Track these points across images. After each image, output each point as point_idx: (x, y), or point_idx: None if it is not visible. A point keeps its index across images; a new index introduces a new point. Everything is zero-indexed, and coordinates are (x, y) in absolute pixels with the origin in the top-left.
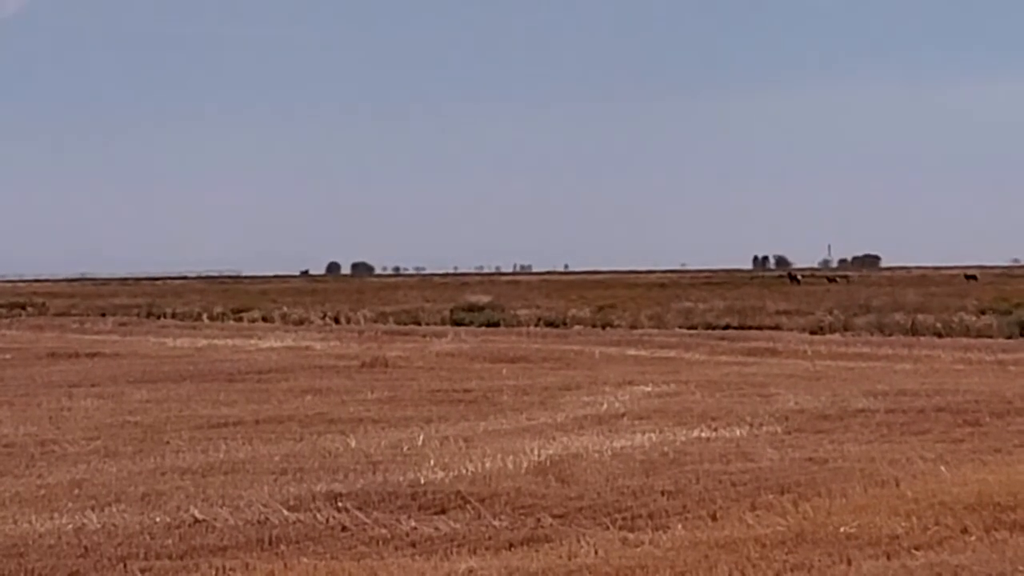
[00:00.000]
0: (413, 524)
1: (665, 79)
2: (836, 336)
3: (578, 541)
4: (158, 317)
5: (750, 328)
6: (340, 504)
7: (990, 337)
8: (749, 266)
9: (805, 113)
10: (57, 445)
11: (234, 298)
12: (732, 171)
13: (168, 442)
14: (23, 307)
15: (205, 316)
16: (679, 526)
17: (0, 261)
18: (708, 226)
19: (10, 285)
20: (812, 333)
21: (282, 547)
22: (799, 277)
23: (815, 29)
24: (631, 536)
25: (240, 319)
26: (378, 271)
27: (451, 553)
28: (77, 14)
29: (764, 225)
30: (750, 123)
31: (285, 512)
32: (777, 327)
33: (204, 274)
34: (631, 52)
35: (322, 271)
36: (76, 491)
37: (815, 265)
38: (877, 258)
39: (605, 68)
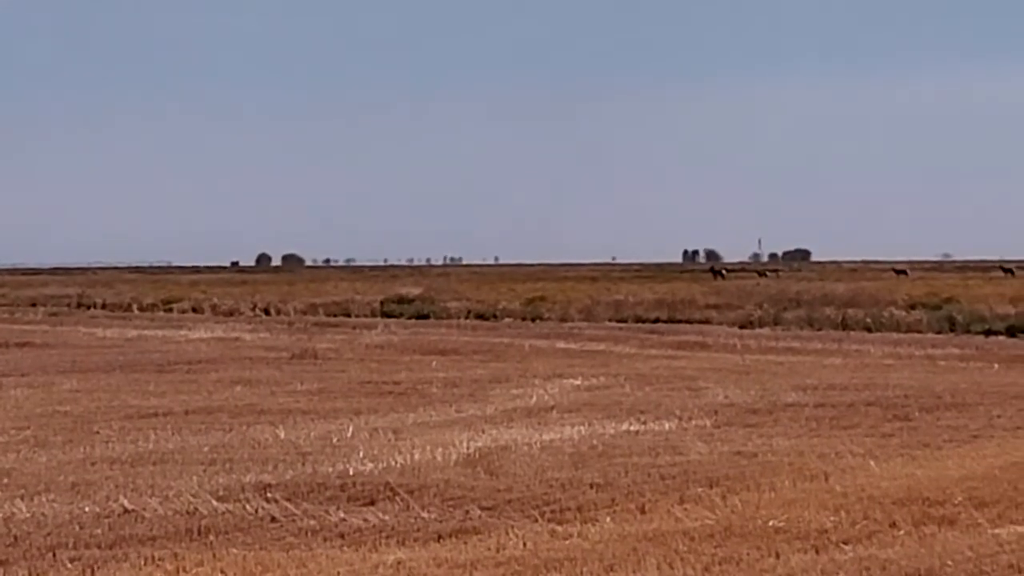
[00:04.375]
0: (342, 515)
1: (596, 72)
2: (766, 330)
3: (507, 533)
4: (88, 307)
5: (680, 322)
6: (269, 495)
7: (920, 332)
8: (679, 260)
9: (736, 107)
10: None
11: (164, 289)
12: (662, 165)
13: (98, 432)
14: None
15: (135, 307)
16: (608, 519)
17: None
18: (638, 220)
19: None
20: (742, 327)
21: (211, 537)
22: (723, 272)
23: (743, 22)
24: (560, 528)
25: (170, 310)
26: (308, 263)
27: (380, 544)
28: None
29: (694, 219)
30: (681, 116)
31: (214, 502)
32: (707, 321)
33: (134, 265)
34: (558, 46)
35: (252, 262)
36: (5, 480)
37: (745, 259)
38: (807, 252)
39: (534, 61)
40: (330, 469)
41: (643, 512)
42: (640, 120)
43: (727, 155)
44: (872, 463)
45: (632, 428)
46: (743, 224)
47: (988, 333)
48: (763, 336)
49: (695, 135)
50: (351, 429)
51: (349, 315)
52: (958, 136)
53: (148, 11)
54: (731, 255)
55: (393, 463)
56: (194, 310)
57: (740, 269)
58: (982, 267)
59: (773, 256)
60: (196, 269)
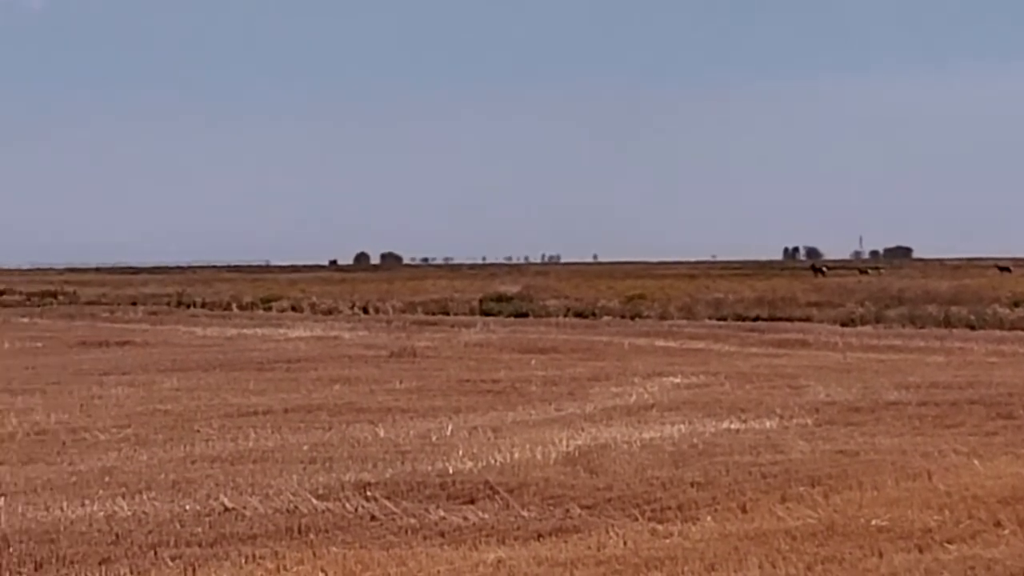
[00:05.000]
0: (442, 514)
1: (696, 70)
2: (868, 328)
3: (607, 532)
4: (188, 306)
5: (780, 320)
6: (369, 493)
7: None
8: (780, 257)
9: (839, 103)
10: (88, 433)
11: (263, 288)
12: (763, 162)
13: (198, 430)
14: (54, 296)
15: (235, 305)
16: (709, 518)
17: (32, 250)
18: (739, 217)
19: (41, 274)
20: (843, 325)
21: (311, 536)
22: (824, 269)
23: (848, 18)
24: (660, 527)
25: (269, 308)
26: (407, 261)
27: (480, 543)
28: (100, 6)
29: (795, 216)
30: (782, 113)
31: (314, 501)
32: (808, 319)
33: (234, 263)
34: (659, 43)
35: (351, 261)
36: (107, 478)
37: (847, 256)
38: (909, 250)
39: (635, 59)
40: (430, 467)
41: (744, 511)
42: (741, 117)
43: (828, 152)
44: (976, 462)
45: (733, 426)
46: (844, 221)
47: None
48: (865, 334)
49: (796, 132)
50: (450, 427)
51: (448, 313)
52: None
53: (270, 10)
54: (832, 252)
55: (493, 461)
56: (293, 309)
57: (841, 266)
58: None
59: (874, 253)
60: (295, 268)
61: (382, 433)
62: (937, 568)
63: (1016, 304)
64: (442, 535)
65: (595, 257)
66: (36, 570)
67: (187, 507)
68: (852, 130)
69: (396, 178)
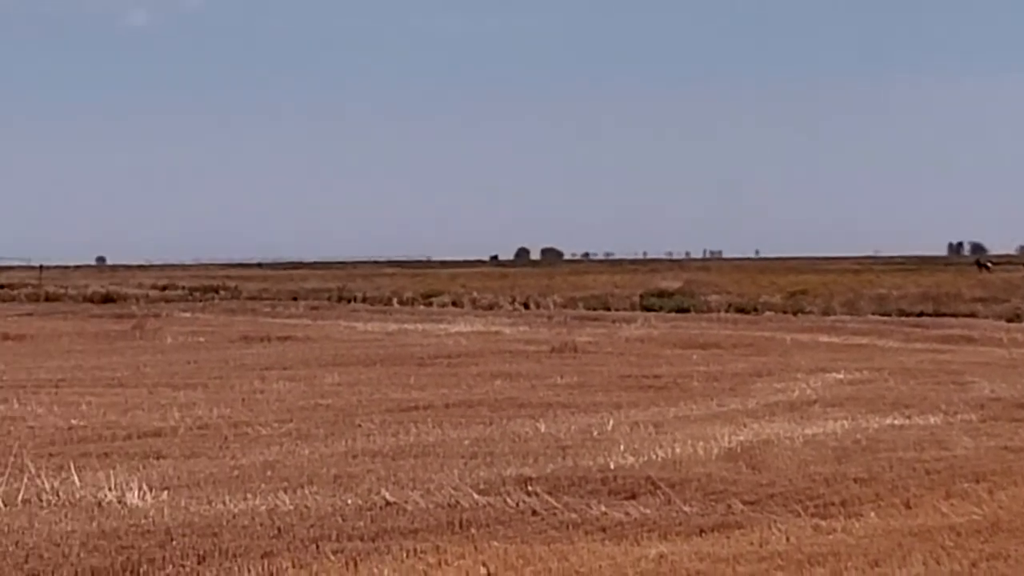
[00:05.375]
0: (603, 509)
1: (858, 64)
2: None
3: (769, 528)
4: (349, 301)
5: (945, 315)
6: (530, 488)
7: None
8: (944, 252)
9: (1005, 99)
10: (250, 427)
11: (424, 283)
12: (928, 156)
13: (359, 425)
14: (216, 291)
15: (396, 300)
16: (872, 514)
17: (194, 245)
18: (902, 211)
19: (203, 269)
20: (1009, 321)
21: (472, 530)
22: (989, 264)
23: (999, 10)
24: (823, 523)
25: (430, 304)
26: (567, 256)
27: (641, 538)
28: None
29: (960, 211)
30: (948, 106)
31: (475, 495)
32: (972, 314)
33: (394, 259)
34: (819, 33)
35: (511, 256)
36: (269, 473)
37: (1012, 251)
38: None
39: (794, 52)
40: (591, 463)
41: (908, 507)
42: (905, 111)
43: (994, 146)
44: None
45: (896, 422)
46: (1010, 216)
47: None
48: None
49: (962, 127)
50: (611, 423)
51: (608, 309)
52: None
53: (423, 5)
54: (997, 247)
55: (654, 457)
56: (454, 304)
57: (1006, 261)
58: None
59: None
60: (456, 263)
61: (543, 428)
62: None
63: None
64: (603, 530)
65: (757, 252)
66: (199, 563)
67: (349, 501)
68: (1020, 125)
69: (557, 173)
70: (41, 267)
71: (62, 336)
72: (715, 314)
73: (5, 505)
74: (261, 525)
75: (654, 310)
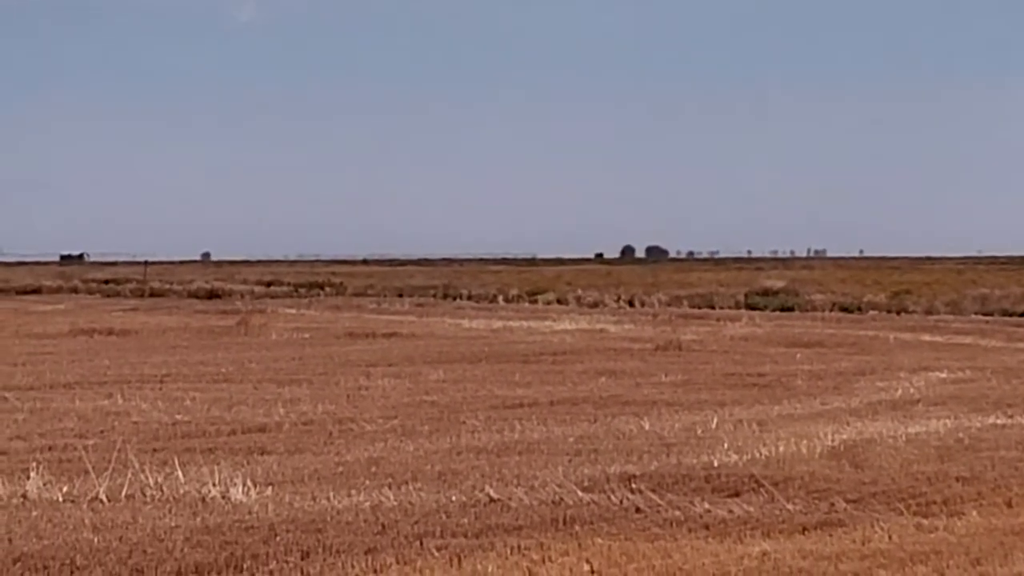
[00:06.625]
0: (707, 506)
1: (963, 63)
2: None
3: (872, 526)
4: (454, 298)
5: None
6: (634, 485)
7: None
8: None
9: None
10: (355, 423)
11: (529, 280)
12: None
13: (464, 422)
14: (321, 287)
15: (501, 298)
16: (974, 512)
17: (300, 242)
18: (1006, 211)
19: (309, 266)
20: None
21: (576, 527)
22: None
23: None
24: (925, 522)
25: (535, 301)
26: (672, 255)
27: (745, 536)
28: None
29: None
30: None
31: (579, 493)
32: None
33: (500, 256)
34: (926, 35)
35: (616, 254)
36: (373, 469)
37: None
38: None
39: (900, 52)
40: (695, 460)
41: (1010, 506)
42: (1010, 111)
43: None
44: None
45: (999, 422)
46: None
47: None
48: None
49: None
50: (715, 421)
51: (713, 307)
52: None
53: (499, 4)
54: None
55: (758, 455)
56: (559, 301)
57: None
58: None
59: None
60: (561, 261)
61: (647, 426)
62: None
63: None
64: (707, 528)
65: (861, 252)
66: (303, 559)
67: (453, 498)
68: None
69: (662, 171)
70: (146, 263)
71: (167, 331)
72: (819, 313)
73: (109, 500)
74: (365, 521)
75: (758, 309)
